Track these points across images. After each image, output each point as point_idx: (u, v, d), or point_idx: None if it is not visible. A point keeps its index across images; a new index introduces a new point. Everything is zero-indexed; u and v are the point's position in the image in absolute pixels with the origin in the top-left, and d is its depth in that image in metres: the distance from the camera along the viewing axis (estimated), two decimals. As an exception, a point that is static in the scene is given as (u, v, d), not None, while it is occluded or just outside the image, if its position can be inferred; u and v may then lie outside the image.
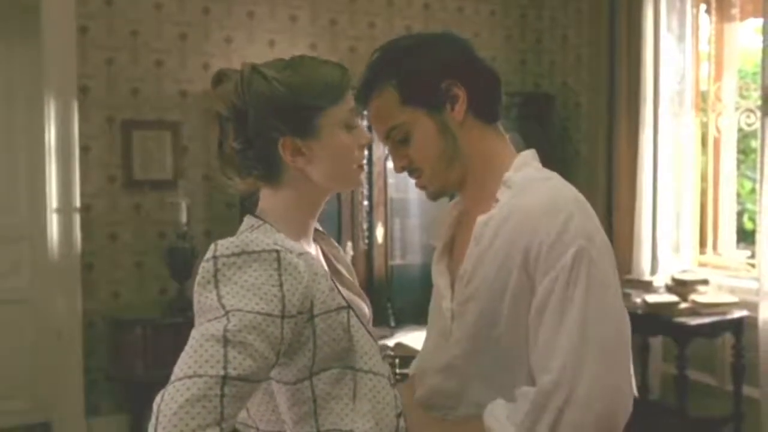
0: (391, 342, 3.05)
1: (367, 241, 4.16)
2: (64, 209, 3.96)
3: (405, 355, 2.37)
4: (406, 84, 1.32)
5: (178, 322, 3.60)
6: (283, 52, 4.27)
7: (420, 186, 1.39)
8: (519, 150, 1.39)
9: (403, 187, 4.29)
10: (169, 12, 4.18)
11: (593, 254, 1.19)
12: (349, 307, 1.24)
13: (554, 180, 1.30)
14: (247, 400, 1.09)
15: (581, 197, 1.27)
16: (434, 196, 1.41)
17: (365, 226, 4.14)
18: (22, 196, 4.43)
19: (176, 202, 3.93)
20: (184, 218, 3.91)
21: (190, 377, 1.03)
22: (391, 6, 4.69)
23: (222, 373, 1.03)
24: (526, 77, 5.08)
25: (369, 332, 1.29)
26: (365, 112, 1.39)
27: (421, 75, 1.32)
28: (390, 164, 3.97)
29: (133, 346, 3.74)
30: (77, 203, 3.98)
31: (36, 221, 4.27)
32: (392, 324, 3.99)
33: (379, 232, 4.17)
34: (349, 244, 4.04)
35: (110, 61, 4.07)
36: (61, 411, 4.05)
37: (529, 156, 1.36)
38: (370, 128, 1.45)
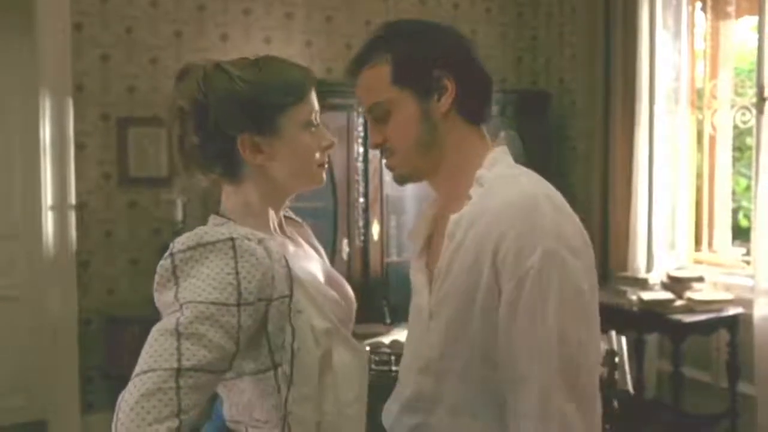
0: (387, 339, 3.05)
1: (363, 238, 4.15)
2: (60, 206, 3.95)
3: (401, 353, 2.37)
4: (400, 62, 1.31)
5: (174, 320, 3.59)
6: (278, 49, 4.27)
7: (388, 166, 1.39)
8: (516, 149, 1.38)
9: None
10: (165, 9, 4.17)
11: (564, 254, 1.16)
12: (290, 296, 1.22)
13: (524, 176, 1.28)
14: (209, 390, 1.11)
15: (554, 193, 1.24)
16: (401, 180, 1.39)
17: (361, 223, 4.13)
18: (17, 193, 4.42)
19: (172, 200, 3.93)
20: (179, 215, 3.91)
21: (145, 372, 1.06)
22: (387, 3, 4.68)
23: (175, 365, 1.05)
24: (522, 75, 5.08)
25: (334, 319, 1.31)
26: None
27: (416, 57, 1.32)
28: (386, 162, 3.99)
29: (128, 344, 3.73)
30: (72, 200, 3.97)
31: (31, 218, 4.26)
32: (388, 321, 3.98)
33: (375, 230, 4.17)
34: (345, 241, 4.04)
35: (105, 58, 4.06)
36: (56, 408, 4.05)
37: (501, 153, 1.35)
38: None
